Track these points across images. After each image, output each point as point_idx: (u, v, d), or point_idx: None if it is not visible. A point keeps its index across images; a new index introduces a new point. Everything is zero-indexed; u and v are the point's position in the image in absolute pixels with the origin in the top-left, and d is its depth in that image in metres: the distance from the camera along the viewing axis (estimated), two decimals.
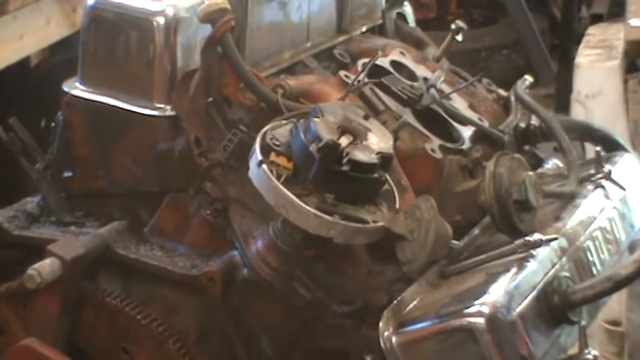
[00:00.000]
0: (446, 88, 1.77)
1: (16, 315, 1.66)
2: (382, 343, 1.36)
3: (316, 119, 1.43)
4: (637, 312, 2.50)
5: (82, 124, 1.69)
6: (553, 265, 1.42)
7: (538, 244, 1.41)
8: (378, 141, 1.46)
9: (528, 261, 1.40)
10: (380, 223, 1.42)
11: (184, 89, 1.59)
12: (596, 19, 4.28)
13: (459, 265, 1.46)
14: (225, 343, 1.58)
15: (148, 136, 1.63)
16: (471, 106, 1.79)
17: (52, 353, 1.58)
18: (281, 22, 1.78)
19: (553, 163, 1.76)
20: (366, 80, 1.67)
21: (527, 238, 1.41)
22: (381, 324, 1.37)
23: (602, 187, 1.63)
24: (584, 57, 3.40)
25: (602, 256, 1.54)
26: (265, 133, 1.45)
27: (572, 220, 1.53)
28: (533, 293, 1.36)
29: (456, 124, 1.71)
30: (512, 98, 1.84)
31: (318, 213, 1.37)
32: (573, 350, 1.42)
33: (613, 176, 1.64)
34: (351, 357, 1.50)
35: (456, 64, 1.97)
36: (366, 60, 1.74)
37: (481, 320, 1.29)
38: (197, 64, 1.59)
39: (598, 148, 1.72)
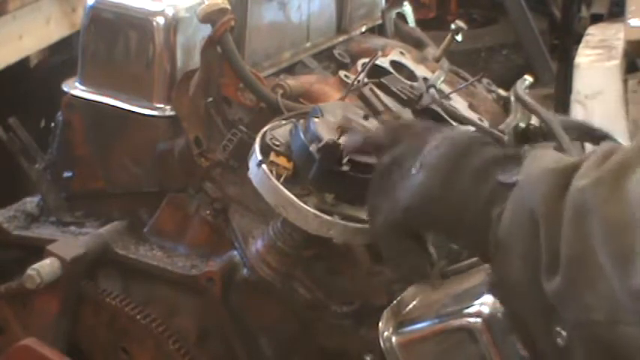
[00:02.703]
0: (446, 88, 1.77)
1: (15, 315, 1.66)
2: (382, 343, 1.36)
3: (316, 119, 1.42)
4: None
5: (81, 124, 1.69)
6: None
7: None
8: None
9: None
10: None
11: (184, 89, 1.59)
12: (596, 19, 4.28)
13: (458, 265, 1.45)
14: (225, 343, 1.58)
15: (147, 136, 1.64)
16: (471, 106, 1.79)
17: (51, 353, 1.58)
18: (281, 22, 1.78)
19: None
20: (366, 80, 1.67)
21: None
22: (380, 324, 1.36)
23: None
24: (584, 57, 3.41)
25: None
26: (265, 133, 1.45)
27: None
28: None
29: (456, 124, 1.71)
30: (512, 98, 1.84)
31: (318, 213, 1.36)
32: None
33: None
34: (350, 357, 1.50)
35: (456, 64, 1.97)
36: (366, 60, 1.74)
37: (480, 320, 1.29)
38: (197, 64, 1.59)
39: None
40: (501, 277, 1.11)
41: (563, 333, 1.02)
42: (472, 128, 1.60)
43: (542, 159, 1.10)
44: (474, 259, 1.44)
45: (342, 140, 1.38)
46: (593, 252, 0.97)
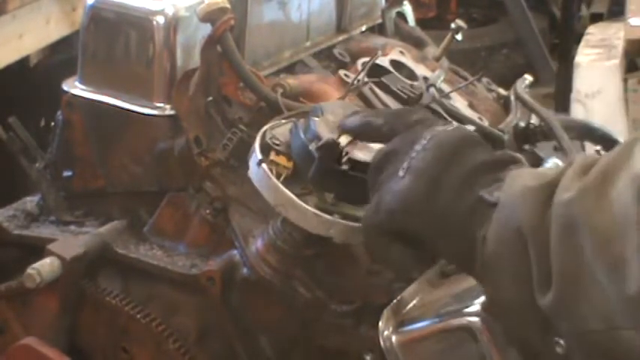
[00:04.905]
0: (446, 87, 1.77)
1: (15, 314, 1.66)
2: (382, 343, 1.36)
3: (316, 118, 1.42)
4: None
5: (81, 123, 1.69)
6: None
7: None
8: None
9: None
10: None
11: (184, 88, 1.59)
12: (596, 18, 4.29)
13: None
14: (225, 343, 1.58)
15: (147, 136, 1.63)
16: (471, 105, 1.79)
17: (51, 352, 1.58)
18: (281, 21, 1.78)
19: (553, 163, 1.75)
20: (366, 79, 1.67)
21: None
22: (380, 323, 1.36)
23: None
24: (584, 56, 3.41)
25: None
26: (265, 132, 1.45)
27: None
28: None
29: (456, 123, 1.71)
30: (512, 97, 1.84)
31: (318, 212, 1.36)
32: None
33: None
34: (350, 356, 1.50)
35: (456, 63, 1.97)
36: (366, 59, 1.74)
37: (480, 320, 1.29)
38: (197, 63, 1.59)
39: (598, 148, 1.72)
40: (493, 298, 1.13)
41: (562, 342, 1.04)
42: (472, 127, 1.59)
43: (522, 177, 1.11)
44: None
45: (341, 122, 1.37)
46: (584, 264, 0.98)
